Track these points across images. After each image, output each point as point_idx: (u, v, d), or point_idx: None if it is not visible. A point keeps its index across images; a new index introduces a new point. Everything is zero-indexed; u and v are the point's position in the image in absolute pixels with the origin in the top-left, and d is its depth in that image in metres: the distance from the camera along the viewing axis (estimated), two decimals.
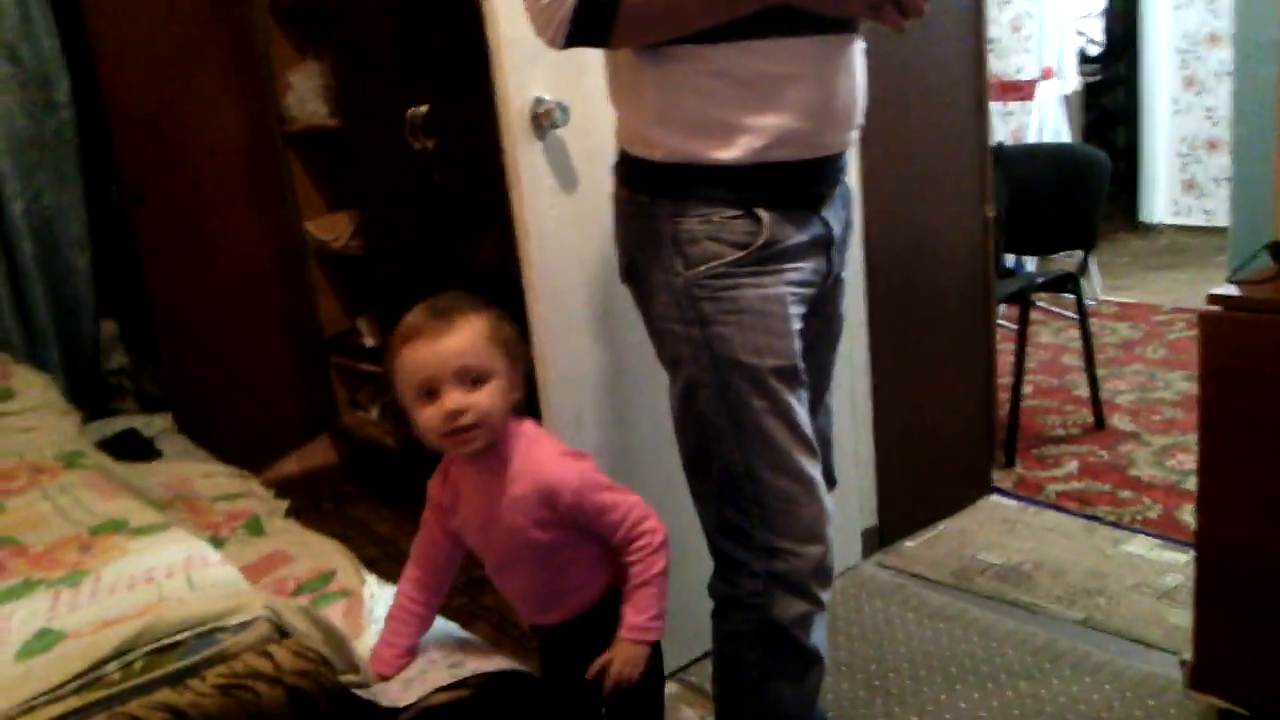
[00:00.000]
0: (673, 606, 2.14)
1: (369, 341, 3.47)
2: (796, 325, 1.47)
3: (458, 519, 1.50)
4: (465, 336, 1.36)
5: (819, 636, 1.47)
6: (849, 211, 1.61)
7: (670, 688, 2.17)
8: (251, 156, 3.46)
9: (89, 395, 3.13)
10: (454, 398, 1.35)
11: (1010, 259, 4.16)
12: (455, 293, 1.43)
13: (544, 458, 1.44)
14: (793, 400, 1.46)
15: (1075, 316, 3.56)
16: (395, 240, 3.19)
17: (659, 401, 1.61)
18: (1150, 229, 6.41)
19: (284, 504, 2.38)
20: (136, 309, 3.31)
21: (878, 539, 2.72)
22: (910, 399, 2.77)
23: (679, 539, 1.95)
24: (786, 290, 1.45)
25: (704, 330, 1.44)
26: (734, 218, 1.43)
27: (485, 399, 1.37)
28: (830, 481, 1.67)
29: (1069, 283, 3.46)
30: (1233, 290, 1.65)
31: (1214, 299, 1.63)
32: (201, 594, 1.49)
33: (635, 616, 1.45)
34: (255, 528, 2.14)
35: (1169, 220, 6.40)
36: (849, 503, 2.63)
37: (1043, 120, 5.26)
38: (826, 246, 1.53)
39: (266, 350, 3.54)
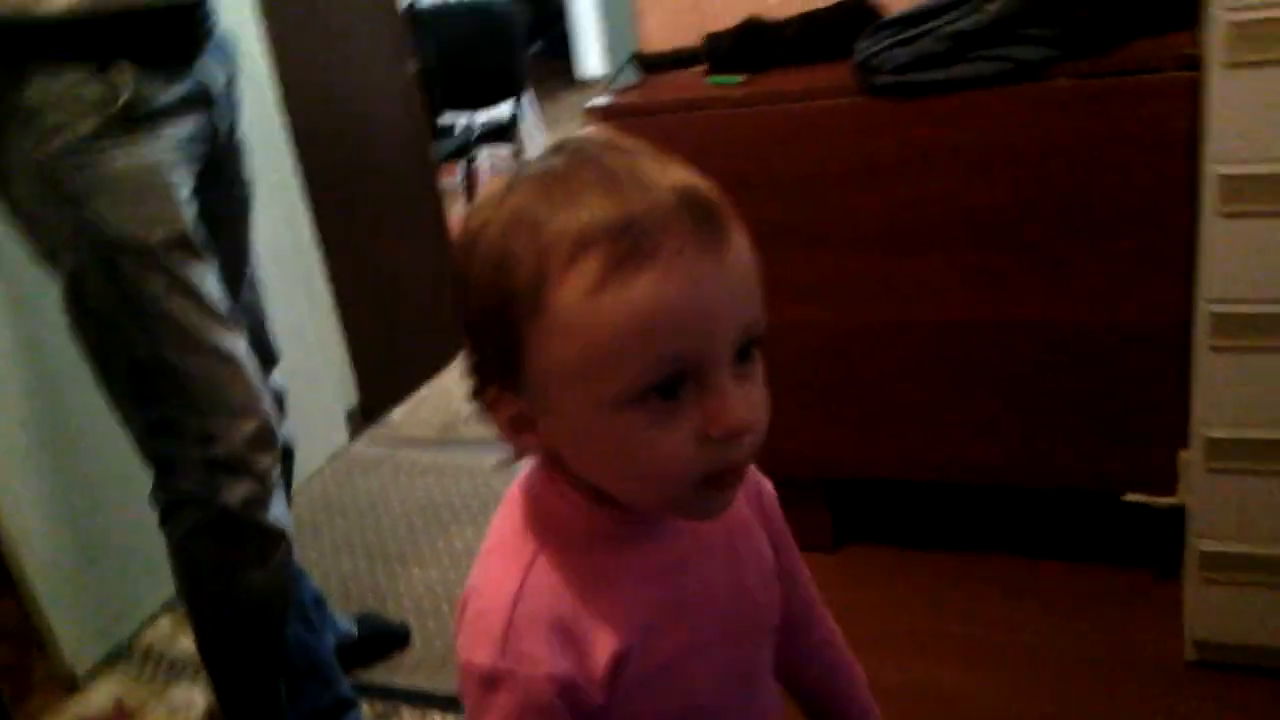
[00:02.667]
0: (131, 540, 1.98)
1: None
2: (185, 192, 1.35)
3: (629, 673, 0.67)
4: (747, 251, 0.63)
5: (277, 513, 1.41)
6: (232, 64, 1.49)
7: (164, 623, 2.03)
8: None
9: None
10: (734, 398, 0.60)
11: (453, 119, 4.22)
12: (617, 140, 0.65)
13: None
14: (195, 273, 1.34)
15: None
16: None
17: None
18: (585, 83, 6.83)
19: None
20: None
21: (363, 417, 2.70)
22: (369, 271, 2.73)
23: (119, 467, 1.76)
24: (165, 156, 1.33)
25: (77, 211, 1.27)
26: (88, 78, 1.26)
27: (763, 386, 0.65)
28: (270, 358, 1.60)
29: (506, 132, 3.58)
30: (605, 99, 1.78)
31: (591, 111, 1.74)
32: None
33: None
34: None
35: (602, 72, 6.85)
36: (325, 386, 2.57)
37: None
38: (206, 103, 1.41)
39: None
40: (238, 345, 1.38)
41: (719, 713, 0.74)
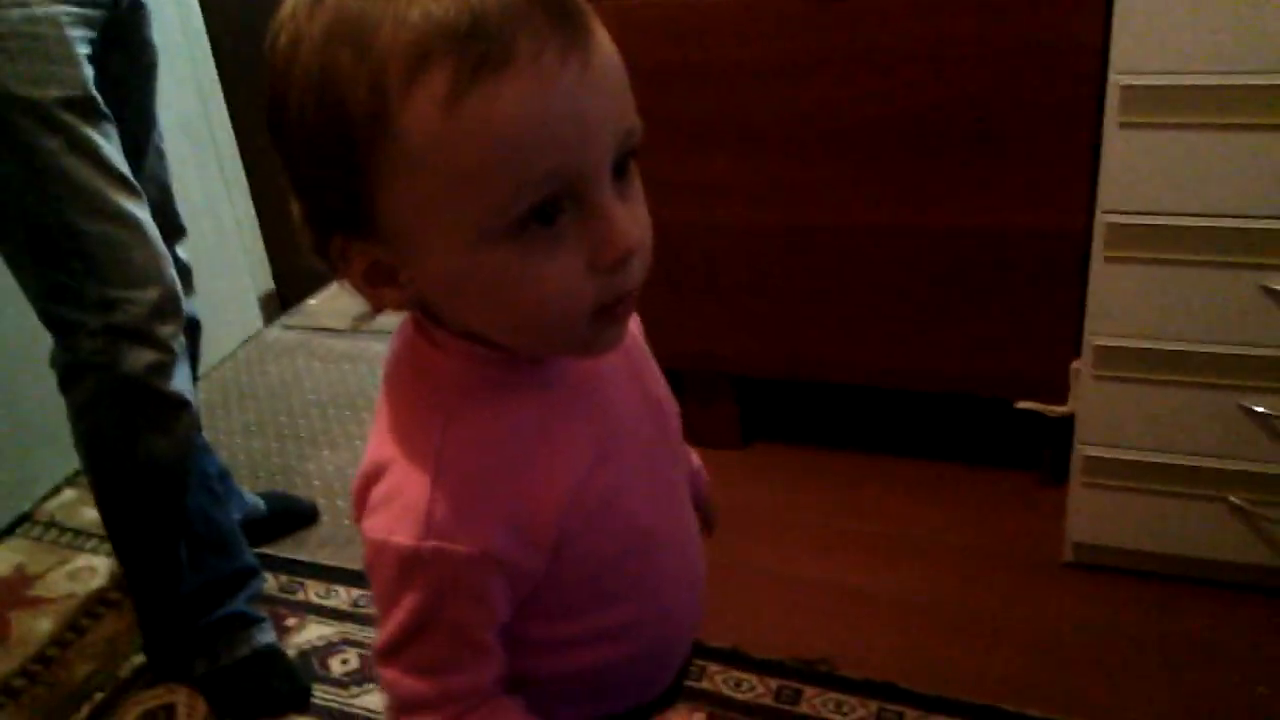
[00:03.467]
0: (35, 410, 1.95)
1: None
2: (83, 50, 1.31)
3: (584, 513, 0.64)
4: (614, 51, 0.55)
5: (180, 382, 1.40)
6: None
7: (68, 494, 2.02)
8: None
9: None
10: (620, 218, 0.55)
11: None
12: None
13: None
14: (95, 134, 1.30)
15: None
16: None
17: None
18: None
19: None
20: None
21: (279, 303, 2.67)
22: None
23: (23, 333, 1.72)
24: (59, 10, 1.27)
25: None
26: None
27: (644, 204, 0.60)
28: (176, 230, 1.57)
29: None
30: None
31: None
32: None
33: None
34: None
35: None
36: (240, 271, 2.53)
37: None
38: None
39: None
40: (141, 211, 1.35)
41: (659, 531, 0.72)
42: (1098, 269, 1.40)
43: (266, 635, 1.55)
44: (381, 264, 0.57)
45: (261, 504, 1.82)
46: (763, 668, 1.46)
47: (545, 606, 0.65)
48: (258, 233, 2.59)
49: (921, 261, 1.65)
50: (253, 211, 2.57)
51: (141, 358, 1.34)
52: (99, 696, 1.54)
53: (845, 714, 1.38)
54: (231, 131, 2.48)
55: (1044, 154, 1.50)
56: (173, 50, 2.20)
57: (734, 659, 1.47)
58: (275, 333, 2.58)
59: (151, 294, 1.34)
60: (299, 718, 1.47)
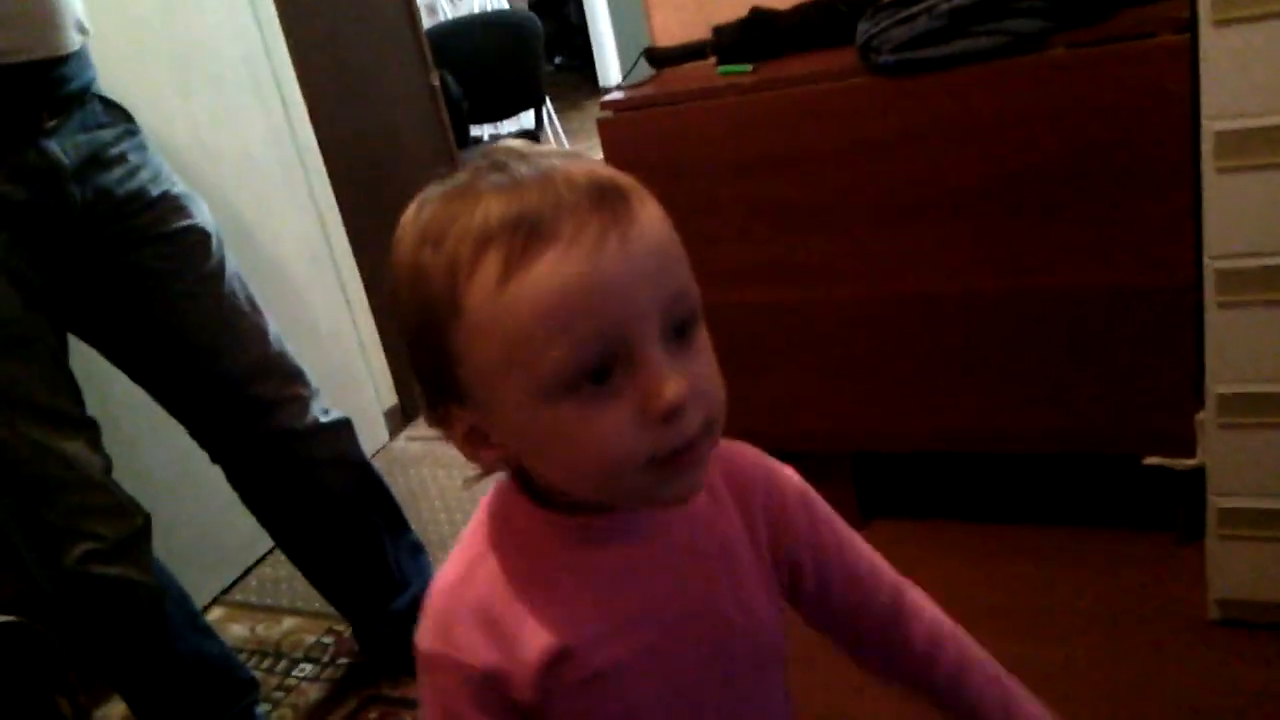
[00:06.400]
0: (194, 537, 2.07)
1: None
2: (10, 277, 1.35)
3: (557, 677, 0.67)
4: (659, 227, 0.61)
5: (126, 568, 1.47)
6: (117, 126, 1.46)
7: (216, 611, 2.11)
8: None
9: None
10: (666, 372, 0.59)
11: (479, 131, 4.32)
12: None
13: (742, 450, 0.78)
14: (14, 369, 1.36)
15: None
16: None
17: None
18: (608, 91, 6.90)
19: None
20: None
21: (402, 415, 2.78)
22: None
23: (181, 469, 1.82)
24: None
25: None
26: None
27: (710, 362, 0.64)
28: (287, 377, 1.66)
29: (530, 139, 3.65)
30: (619, 95, 1.84)
31: (605, 104, 1.81)
32: None
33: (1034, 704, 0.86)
34: None
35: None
36: (365, 390, 2.65)
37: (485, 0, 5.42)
38: (51, 179, 1.37)
39: None
40: (59, 437, 1.40)
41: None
42: (1212, 316, 1.38)
43: None
44: (476, 428, 0.64)
45: None
46: None
47: None
48: (380, 349, 2.71)
49: (1033, 324, 1.64)
50: (375, 328, 2.70)
51: (75, 551, 1.41)
52: None
53: None
54: (351, 253, 2.63)
55: (1144, 208, 1.50)
56: (292, 177, 2.37)
57: None
58: (401, 444, 2.69)
59: (74, 498, 1.41)
60: None
